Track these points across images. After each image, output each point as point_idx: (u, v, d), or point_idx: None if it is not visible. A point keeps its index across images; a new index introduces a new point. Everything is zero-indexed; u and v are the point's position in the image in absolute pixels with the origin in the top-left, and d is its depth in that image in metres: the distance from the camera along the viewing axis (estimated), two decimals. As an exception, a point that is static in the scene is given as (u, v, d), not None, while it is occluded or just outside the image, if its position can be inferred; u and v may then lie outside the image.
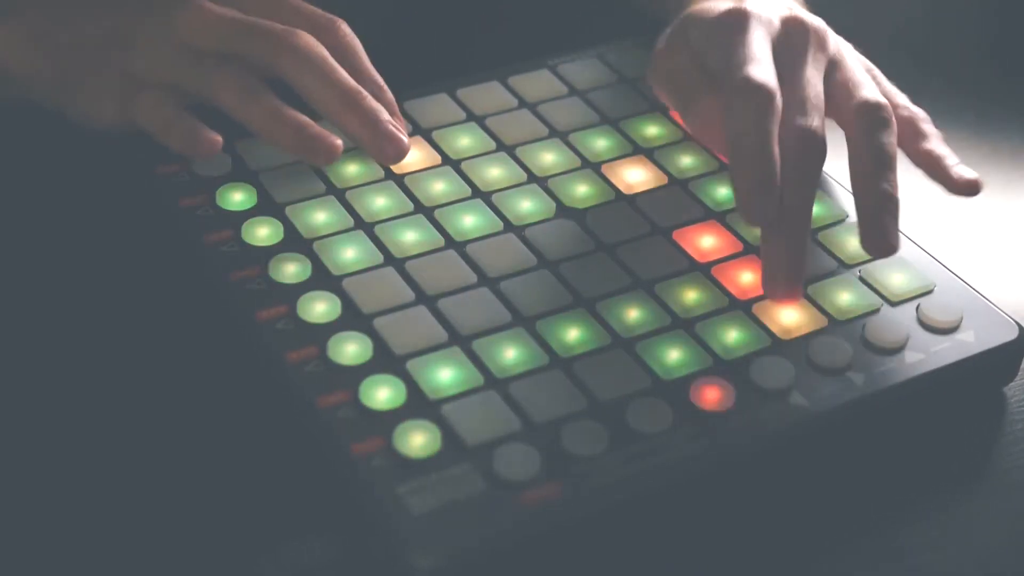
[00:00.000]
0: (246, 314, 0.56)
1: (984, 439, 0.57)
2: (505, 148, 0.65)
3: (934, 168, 0.60)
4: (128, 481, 0.52)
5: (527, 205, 0.62)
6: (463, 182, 0.63)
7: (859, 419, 0.54)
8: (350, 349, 0.54)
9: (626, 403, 0.53)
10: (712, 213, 0.62)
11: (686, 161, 0.65)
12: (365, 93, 0.59)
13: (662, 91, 0.64)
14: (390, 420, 0.52)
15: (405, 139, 0.59)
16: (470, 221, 0.61)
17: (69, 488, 0.52)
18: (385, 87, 0.61)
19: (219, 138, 0.59)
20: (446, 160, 0.64)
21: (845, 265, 0.60)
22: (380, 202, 0.61)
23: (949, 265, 0.61)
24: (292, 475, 0.53)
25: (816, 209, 0.62)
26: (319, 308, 0.56)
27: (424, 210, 0.61)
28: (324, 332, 0.55)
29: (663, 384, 0.54)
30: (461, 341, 0.55)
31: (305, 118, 0.59)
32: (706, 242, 0.61)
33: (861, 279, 0.59)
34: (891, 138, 0.58)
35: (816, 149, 0.57)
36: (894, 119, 0.59)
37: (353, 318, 0.56)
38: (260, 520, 0.51)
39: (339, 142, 0.59)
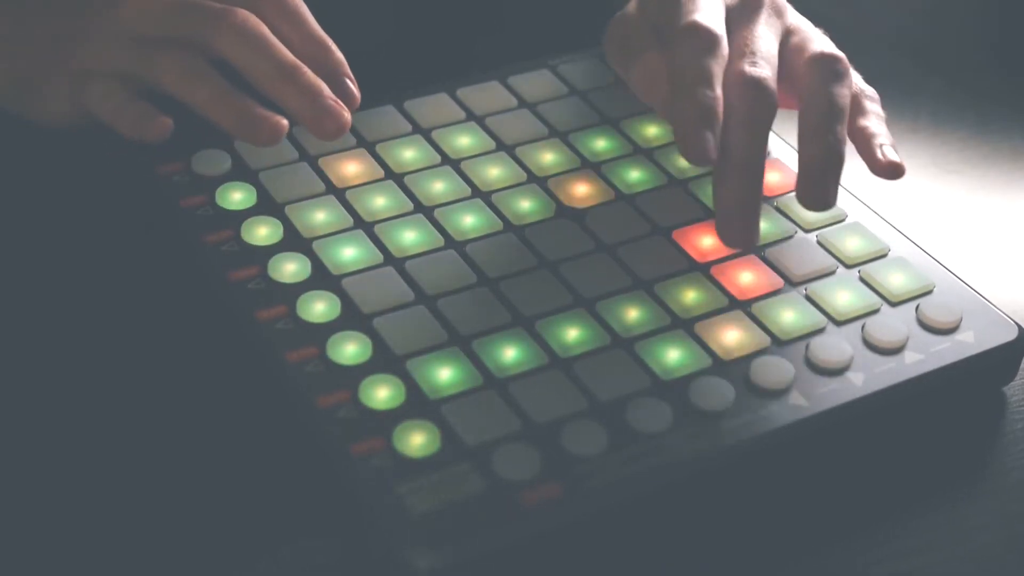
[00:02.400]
0: (246, 314, 0.56)
1: (984, 439, 0.57)
2: (505, 148, 0.65)
3: (863, 145, 0.59)
4: (128, 481, 0.52)
5: (527, 205, 0.62)
6: (463, 182, 0.63)
7: (859, 419, 0.54)
8: (350, 349, 0.54)
9: (626, 403, 0.53)
10: (712, 213, 0.62)
11: (685, 161, 0.65)
12: (304, 68, 0.57)
13: (612, 58, 0.64)
14: (390, 420, 0.52)
15: (346, 114, 0.57)
16: (470, 221, 0.61)
17: (69, 488, 0.52)
18: (332, 47, 0.59)
19: (169, 120, 0.58)
20: (446, 160, 0.64)
21: (845, 265, 0.60)
22: (380, 202, 0.61)
23: (949, 265, 0.61)
24: (292, 475, 0.53)
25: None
26: (319, 308, 0.56)
27: (424, 210, 0.61)
28: (324, 332, 0.55)
29: (663, 384, 0.54)
30: (461, 341, 0.55)
31: (249, 100, 0.57)
32: (706, 242, 0.61)
33: (861, 279, 0.59)
34: (844, 90, 0.58)
35: (765, 97, 0.57)
36: (851, 73, 0.59)
37: (353, 318, 0.56)
38: (260, 521, 0.51)
39: (284, 122, 0.57)
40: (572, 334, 0.56)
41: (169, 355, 0.57)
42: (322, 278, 0.58)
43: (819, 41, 0.60)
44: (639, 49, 0.61)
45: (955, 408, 0.57)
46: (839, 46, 0.61)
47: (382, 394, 0.53)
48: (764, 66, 0.57)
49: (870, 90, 0.62)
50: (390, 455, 0.51)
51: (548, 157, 0.65)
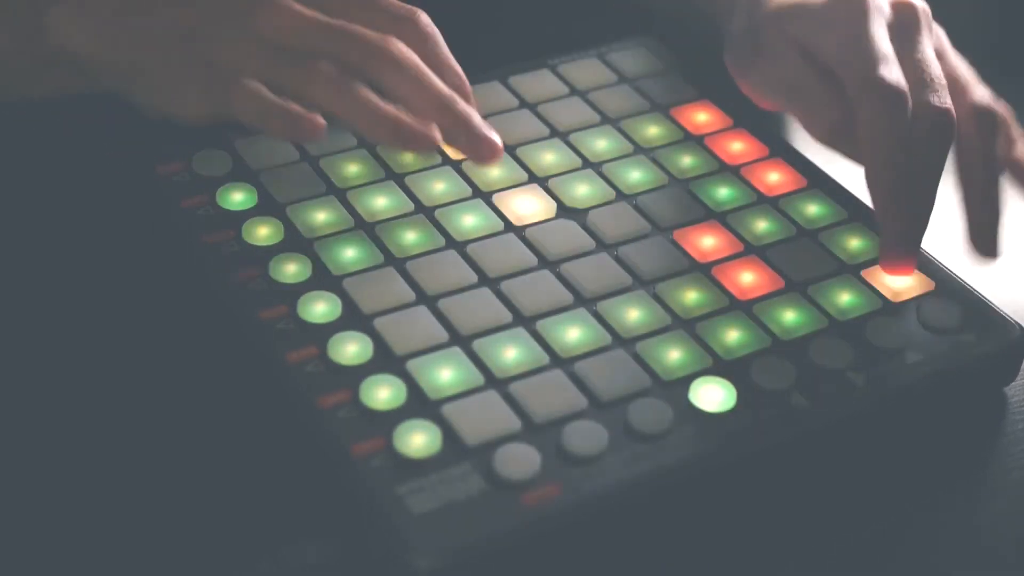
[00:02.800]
0: (246, 314, 0.56)
1: (984, 439, 0.57)
2: (506, 148, 0.65)
3: (1020, 175, 0.62)
4: (128, 481, 0.52)
5: (527, 205, 0.62)
6: (463, 182, 0.63)
7: (859, 419, 0.54)
8: (350, 349, 0.54)
9: (626, 403, 0.53)
10: (713, 213, 0.62)
11: (686, 161, 0.65)
12: (456, 97, 0.58)
13: (777, 100, 0.64)
14: (390, 420, 0.52)
15: (499, 140, 0.58)
16: (470, 221, 0.61)
17: (69, 488, 0.52)
18: (464, 79, 0.60)
19: (323, 120, 0.58)
20: (446, 160, 0.64)
21: (845, 265, 0.60)
22: (380, 202, 0.61)
23: (949, 266, 0.61)
24: (292, 475, 0.53)
25: (816, 209, 0.63)
26: (319, 308, 0.56)
27: (424, 210, 0.61)
28: (324, 332, 0.55)
29: (663, 384, 0.54)
30: (461, 341, 0.55)
31: (400, 112, 0.58)
32: (706, 242, 0.61)
33: (861, 279, 0.59)
34: (999, 144, 0.60)
35: (951, 127, 0.58)
36: (1001, 124, 0.61)
37: (353, 318, 0.56)
38: (260, 521, 0.51)
39: (437, 135, 0.58)
40: (572, 334, 0.56)
41: (170, 355, 0.57)
42: (323, 278, 0.58)
43: (974, 83, 0.62)
44: (812, 98, 0.61)
45: (956, 408, 0.57)
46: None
47: (382, 394, 0.53)
48: (946, 96, 0.59)
49: (1008, 110, 0.63)
50: (390, 455, 0.51)
51: (548, 157, 0.65)
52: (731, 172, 0.65)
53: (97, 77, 0.59)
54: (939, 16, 0.65)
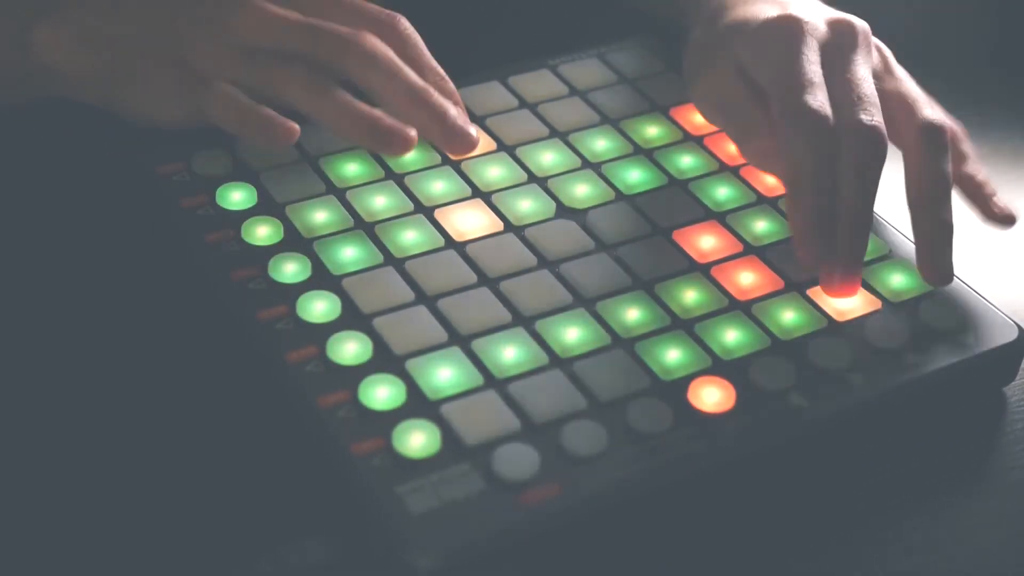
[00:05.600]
0: (246, 314, 0.56)
1: (984, 439, 0.57)
2: (505, 148, 0.65)
3: (974, 194, 0.61)
4: (128, 481, 0.52)
5: (527, 205, 0.62)
6: (463, 182, 0.63)
7: (859, 420, 0.54)
8: (350, 349, 0.54)
9: (626, 403, 0.53)
10: (712, 213, 0.62)
11: (686, 161, 0.65)
12: (431, 90, 0.58)
13: (714, 117, 0.64)
14: (390, 420, 0.52)
15: (473, 132, 0.59)
16: (469, 221, 0.61)
17: (69, 488, 0.52)
18: (447, 78, 0.61)
19: (296, 126, 0.58)
20: (446, 160, 0.64)
21: (845, 265, 0.60)
22: (380, 202, 0.61)
23: (949, 265, 0.61)
24: (292, 475, 0.53)
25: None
26: (319, 308, 0.56)
27: (424, 210, 0.61)
28: (324, 332, 0.55)
29: (663, 384, 0.54)
30: (461, 341, 0.55)
31: (377, 111, 0.58)
32: (706, 242, 0.61)
33: (861, 279, 0.59)
34: (949, 163, 0.59)
35: (880, 144, 0.57)
36: (950, 141, 0.60)
37: (353, 318, 0.56)
38: (260, 520, 0.51)
39: (413, 133, 0.58)
40: (572, 334, 0.56)
41: (169, 355, 0.57)
42: (322, 278, 0.58)
43: (920, 101, 0.61)
44: (747, 122, 0.61)
45: (955, 408, 0.57)
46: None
47: (382, 394, 0.53)
48: (876, 115, 0.58)
49: (958, 127, 0.63)
50: (390, 455, 0.51)
51: (548, 157, 0.65)
52: (730, 172, 0.65)
53: (80, 89, 0.59)
54: (939, 16, 0.65)
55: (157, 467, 0.53)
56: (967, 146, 0.62)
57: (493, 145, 0.65)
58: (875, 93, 0.59)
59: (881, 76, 0.62)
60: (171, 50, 0.58)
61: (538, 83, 0.69)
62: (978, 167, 0.62)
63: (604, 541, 0.51)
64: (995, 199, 0.61)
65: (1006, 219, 0.61)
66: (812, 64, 0.59)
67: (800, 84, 0.58)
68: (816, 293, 0.58)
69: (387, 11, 0.60)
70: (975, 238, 0.67)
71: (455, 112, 0.58)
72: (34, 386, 0.56)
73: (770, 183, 0.64)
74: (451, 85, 0.60)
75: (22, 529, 0.51)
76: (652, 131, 0.67)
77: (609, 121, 0.67)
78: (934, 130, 0.59)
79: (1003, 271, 0.65)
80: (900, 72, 0.63)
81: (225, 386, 0.56)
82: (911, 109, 0.60)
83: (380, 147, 0.58)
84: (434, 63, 0.61)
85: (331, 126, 0.58)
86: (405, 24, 0.60)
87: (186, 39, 0.58)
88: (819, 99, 0.58)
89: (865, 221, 0.57)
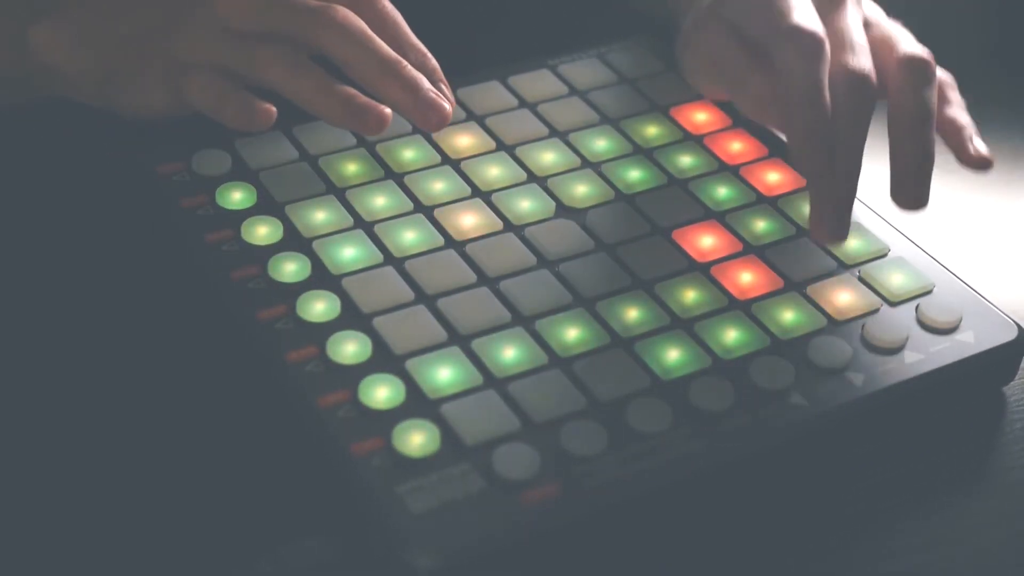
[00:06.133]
0: (246, 314, 0.56)
1: (984, 439, 0.57)
2: (505, 148, 0.65)
3: (952, 136, 0.61)
4: (128, 481, 0.52)
5: (527, 205, 0.62)
6: (463, 182, 0.63)
7: (859, 419, 0.54)
8: (349, 348, 0.54)
9: (626, 403, 0.53)
10: (712, 213, 0.62)
11: (686, 161, 0.65)
12: (405, 62, 0.58)
13: (705, 78, 0.64)
14: (389, 420, 0.52)
15: (448, 105, 0.59)
16: (469, 220, 0.61)
17: (69, 488, 0.52)
18: (428, 54, 0.60)
19: (274, 109, 0.59)
20: (446, 159, 0.64)
21: (845, 265, 0.60)
22: (380, 201, 0.61)
23: (949, 265, 0.61)
24: (292, 475, 0.53)
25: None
26: (319, 307, 0.56)
27: (424, 210, 0.61)
28: (324, 331, 0.55)
29: (663, 384, 0.54)
30: (461, 341, 0.55)
31: (352, 90, 0.58)
32: (706, 242, 0.61)
33: (861, 279, 0.59)
34: (934, 94, 0.59)
35: (869, 90, 0.58)
36: (935, 74, 0.60)
37: (352, 317, 0.56)
38: (260, 520, 0.51)
39: (388, 111, 0.58)
40: (572, 334, 0.56)
41: (169, 355, 0.57)
42: (322, 278, 0.58)
43: (904, 39, 0.61)
44: (738, 70, 0.61)
45: (955, 408, 0.57)
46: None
47: (382, 394, 0.53)
48: (863, 58, 0.58)
49: (948, 77, 0.63)
50: (390, 455, 0.51)
51: (548, 157, 0.65)
52: (730, 172, 0.65)
53: (77, 88, 0.60)
54: (939, 16, 0.65)
55: (157, 467, 0.53)
56: (954, 93, 0.62)
57: (493, 145, 0.65)
58: (863, 40, 0.60)
59: (870, 26, 0.62)
60: (160, 44, 0.59)
61: (538, 83, 0.69)
62: (961, 113, 0.62)
63: (604, 541, 0.51)
64: (972, 142, 0.61)
65: (981, 163, 0.61)
66: (805, 3, 0.60)
67: (791, 10, 0.59)
68: (816, 292, 0.58)
69: None
70: (975, 238, 0.67)
71: (428, 84, 0.58)
72: (34, 386, 0.56)
73: (770, 182, 0.64)
74: (433, 62, 0.60)
75: (22, 529, 0.51)
76: (652, 131, 0.67)
77: (609, 121, 0.67)
78: (916, 60, 0.60)
79: (1003, 271, 0.65)
80: (889, 22, 0.63)
81: (225, 386, 0.56)
82: (897, 45, 0.61)
83: (354, 124, 0.58)
84: (414, 39, 0.60)
85: (307, 105, 0.58)
86: (384, 2, 0.60)
87: (172, 29, 0.59)
88: (813, 22, 0.58)
89: (854, 167, 0.57)
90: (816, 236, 0.58)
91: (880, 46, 0.61)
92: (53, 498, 0.52)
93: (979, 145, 0.61)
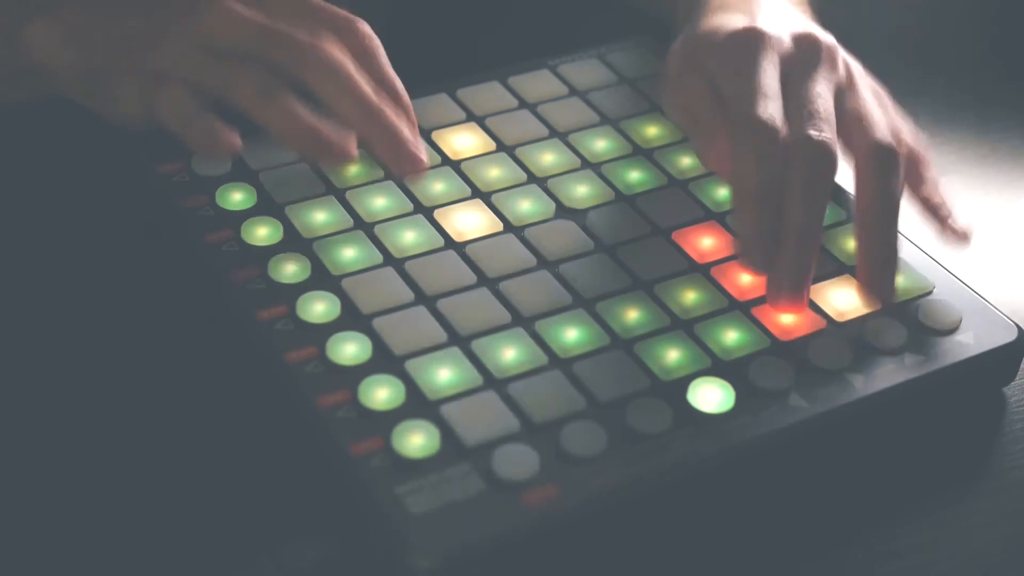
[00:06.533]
0: (246, 314, 0.56)
1: (984, 439, 0.57)
2: (505, 148, 0.65)
3: (931, 214, 0.61)
4: (128, 481, 0.52)
5: (527, 205, 0.62)
6: (463, 182, 0.63)
7: (859, 420, 0.54)
8: (349, 349, 0.54)
9: (625, 403, 0.53)
10: (712, 213, 0.62)
11: (686, 161, 0.65)
12: (386, 110, 0.59)
13: (679, 120, 0.64)
14: (389, 420, 0.52)
15: (425, 159, 0.59)
16: (469, 221, 0.61)
17: (69, 488, 0.52)
18: (402, 92, 0.60)
19: (238, 139, 0.58)
20: (446, 160, 0.64)
21: (845, 265, 0.60)
22: (380, 202, 0.62)
23: (948, 266, 0.61)
24: (292, 475, 0.53)
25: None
26: (319, 308, 0.56)
27: (424, 210, 0.61)
28: (323, 332, 0.55)
29: (662, 385, 0.54)
30: (460, 341, 0.55)
31: (319, 122, 0.58)
32: (706, 243, 0.61)
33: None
34: (899, 183, 0.59)
35: (828, 160, 0.57)
36: (902, 163, 0.59)
37: (352, 318, 0.56)
38: (260, 520, 0.51)
39: (353, 147, 0.58)
40: (572, 334, 0.56)
41: (169, 355, 0.57)
42: (322, 278, 0.58)
43: (873, 119, 0.60)
44: (707, 124, 0.61)
45: (955, 408, 0.57)
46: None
47: (382, 394, 0.53)
48: (827, 130, 0.58)
49: (922, 152, 0.62)
50: (390, 455, 0.51)
51: (548, 157, 0.65)
52: (730, 172, 0.65)
53: (67, 87, 0.60)
54: (939, 16, 0.65)
55: (157, 467, 0.53)
56: (928, 170, 0.62)
57: (493, 145, 0.65)
58: (831, 110, 0.59)
59: (844, 93, 0.61)
60: (142, 53, 0.59)
61: (538, 83, 0.69)
62: (935, 191, 0.61)
63: (604, 541, 0.51)
64: (950, 220, 0.61)
65: (962, 238, 0.61)
66: (769, 77, 0.59)
67: (754, 95, 0.58)
68: (816, 293, 0.58)
69: (348, 16, 0.60)
70: (975, 238, 0.67)
71: (407, 135, 0.59)
72: (34, 386, 0.56)
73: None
74: (406, 100, 0.60)
75: (22, 529, 0.51)
76: (652, 131, 0.67)
77: (609, 121, 0.67)
78: (883, 150, 0.59)
79: (1003, 271, 0.65)
80: (865, 91, 0.62)
81: (225, 386, 0.56)
82: (866, 129, 0.60)
83: (318, 160, 0.59)
84: (392, 75, 0.60)
85: (273, 132, 0.58)
86: (366, 30, 0.60)
87: (157, 39, 0.59)
88: (769, 111, 0.58)
89: (812, 236, 0.56)
90: (772, 302, 0.57)
91: (851, 120, 0.60)
92: (53, 498, 0.52)
93: (956, 223, 0.61)
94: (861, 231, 0.58)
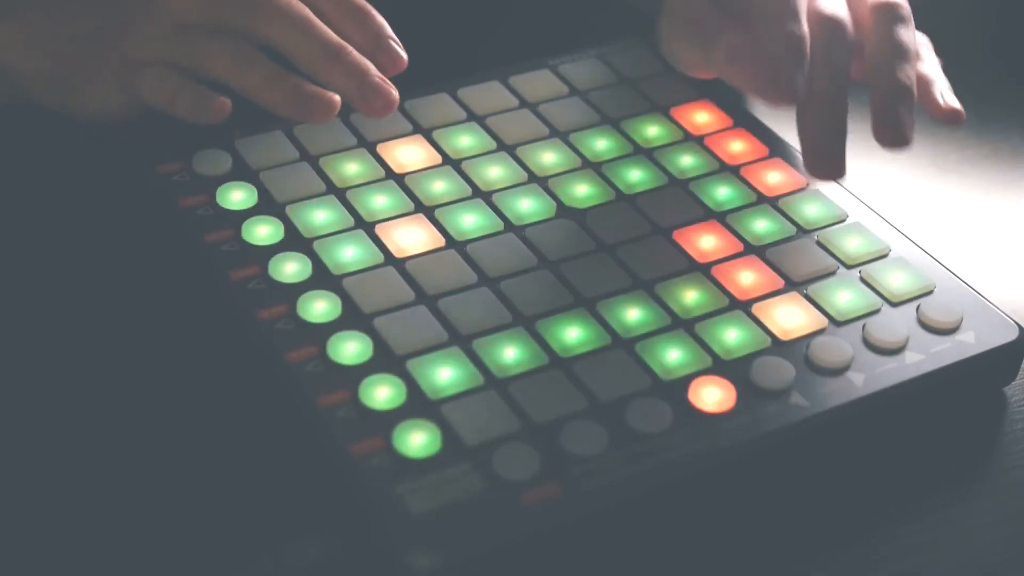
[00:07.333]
0: (246, 314, 0.56)
1: (984, 439, 0.57)
2: (505, 148, 0.65)
3: (922, 90, 0.61)
4: (129, 480, 0.52)
5: (527, 205, 0.62)
6: (463, 182, 0.63)
7: (859, 419, 0.54)
8: (350, 349, 0.54)
9: (626, 403, 0.53)
10: (712, 213, 0.62)
11: (686, 161, 0.65)
12: (349, 48, 0.58)
13: (680, 41, 0.64)
14: (390, 420, 0.52)
15: (393, 92, 0.58)
16: (470, 221, 0.61)
17: (69, 488, 0.52)
18: (372, 12, 0.60)
19: (228, 101, 0.59)
20: (446, 160, 0.64)
21: (845, 265, 0.60)
22: (380, 202, 0.61)
23: (949, 265, 0.61)
24: (292, 475, 0.53)
25: (816, 209, 0.63)
26: (319, 308, 0.56)
27: (424, 209, 0.61)
28: (324, 332, 0.55)
29: (663, 384, 0.54)
30: (461, 341, 0.55)
31: (299, 79, 0.58)
32: (706, 242, 0.61)
33: (861, 279, 0.59)
34: (910, 32, 0.59)
35: (844, 33, 0.58)
36: (911, 17, 0.60)
37: (353, 318, 0.56)
38: (260, 519, 0.51)
39: (336, 99, 0.58)
40: (572, 334, 0.56)
41: (169, 355, 0.57)
42: (322, 278, 0.58)
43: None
44: (711, 29, 0.61)
45: (955, 408, 0.57)
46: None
47: (382, 394, 0.53)
48: (839, 4, 0.59)
49: (923, 37, 0.63)
50: (390, 455, 0.51)
51: (548, 157, 0.65)
52: (731, 172, 0.65)
53: (33, 89, 0.60)
54: (939, 15, 0.65)
55: (157, 466, 0.53)
56: (927, 52, 0.62)
57: (494, 145, 0.65)
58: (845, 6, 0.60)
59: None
60: (111, 44, 0.59)
61: (538, 83, 0.69)
62: (933, 69, 0.61)
63: (604, 541, 0.51)
64: (943, 96, 0.60)
65: (952, 115, 0.60)
66: None
67: (784, 10, 0.59)
68: (816, 293, 0.58)
69: None
70: (975, 238, 0.67)
71: (374, 69, 0.58)
72: (34, 386, 0.56)
73: (771, 183, 0.64)
74: (379, 20, 0.60)
75: (22, 529, 0.51)
76: (652, 131, 0.67)
77: (609, 121, 0.67)
78: (888, 4, 0.60)
79: (1003, 271, 0.65)
80: None
81: (225, 386, 0.56)
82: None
83: (301, 114, 0.58)
84: (371, 9, 0.60)
85: (254, 96, 0.59)
86: None
87: (124, 29, 0.59)
88: (803, 26, 0.58)
89: (841, 104, 0.57)
90: (811, 172, 0.58)
91: (855, 2, 0.61)
92: (53, 497, 0.52)
93: (950, 98, 0.60)
94: (874, 74, 0.59)
